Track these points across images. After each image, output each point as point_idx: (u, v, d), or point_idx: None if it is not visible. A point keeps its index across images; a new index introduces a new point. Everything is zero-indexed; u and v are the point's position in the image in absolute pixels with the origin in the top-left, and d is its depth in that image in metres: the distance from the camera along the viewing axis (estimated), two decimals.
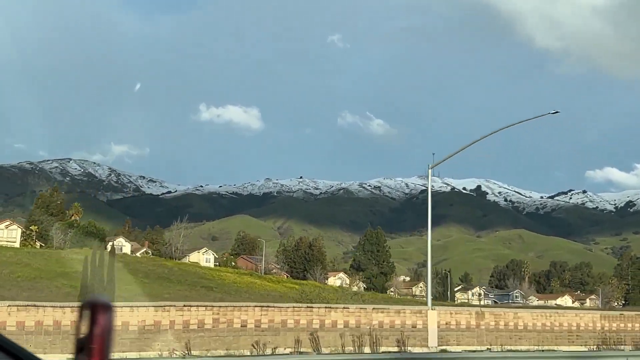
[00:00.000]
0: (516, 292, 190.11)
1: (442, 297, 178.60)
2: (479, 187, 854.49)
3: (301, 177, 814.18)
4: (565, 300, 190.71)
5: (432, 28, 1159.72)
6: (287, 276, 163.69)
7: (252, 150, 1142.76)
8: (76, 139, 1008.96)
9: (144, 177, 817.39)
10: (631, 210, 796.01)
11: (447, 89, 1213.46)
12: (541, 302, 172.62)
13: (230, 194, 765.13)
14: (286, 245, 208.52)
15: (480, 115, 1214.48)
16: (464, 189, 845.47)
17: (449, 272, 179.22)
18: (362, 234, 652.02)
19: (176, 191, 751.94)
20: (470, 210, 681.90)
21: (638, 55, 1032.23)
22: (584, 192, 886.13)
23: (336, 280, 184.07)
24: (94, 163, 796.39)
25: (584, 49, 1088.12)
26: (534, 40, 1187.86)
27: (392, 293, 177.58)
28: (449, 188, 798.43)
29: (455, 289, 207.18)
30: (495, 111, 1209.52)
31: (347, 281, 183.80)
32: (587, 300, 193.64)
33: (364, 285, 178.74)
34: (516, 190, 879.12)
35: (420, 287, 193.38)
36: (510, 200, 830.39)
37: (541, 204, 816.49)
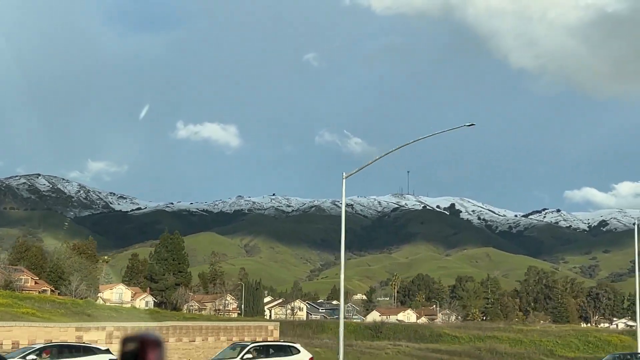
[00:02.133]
0: (348, 306, 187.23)
1: (252, 310, 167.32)
2: (452, 205, 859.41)
3: (273, 195, 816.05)
4: (408, 314, 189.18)
5: (410, 48, 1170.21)
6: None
7: (228, 167, 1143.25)
8: (51, 155, 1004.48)
9: (114, 194, 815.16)
10: (604, 229, 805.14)
11: (424, 108, 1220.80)
12: (382, 317, 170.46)
13: (201, 211, 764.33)
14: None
15: (457, 134, 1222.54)
16: (438, 207, 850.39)
17: (259, 283, 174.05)
18: (331, 252, 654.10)
19: (146, 208, 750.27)
20: (441, 228, 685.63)
21: (614, 75, 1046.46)
22: (558, 211, 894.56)
23: (112, 294, 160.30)
24: (63, 179, 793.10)
25: (560, 68, 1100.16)
26: (510, 60, 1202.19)
27: (192, 307, 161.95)
28: (421, 206, 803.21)
29: (274, 303, 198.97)
30: (472, 130, 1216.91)
31: (129, 294, 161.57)
32: (439, 314, 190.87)
33: (154, 300, 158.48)
34: (490, 209, 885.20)
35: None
36: (484, 219, 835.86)
37: (514, 223, 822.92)
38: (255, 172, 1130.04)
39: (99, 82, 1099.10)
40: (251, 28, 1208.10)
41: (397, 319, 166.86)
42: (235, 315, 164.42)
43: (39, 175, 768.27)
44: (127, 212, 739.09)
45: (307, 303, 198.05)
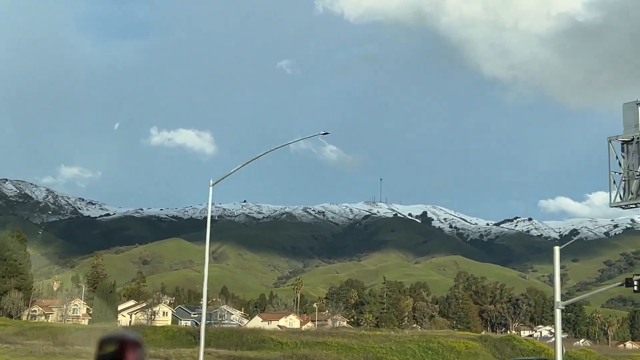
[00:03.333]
0: (222, 311, 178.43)
1: (105, 316, 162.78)
2: (424, 213, 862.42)
3: (245, 201, 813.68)
4: (290, 320, 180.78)
5: (384, 56, 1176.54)
6: None
7: (203, 174, 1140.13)
8: (21, 161, 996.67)
9: (82, 199, 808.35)
10: (574, 238, 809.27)
11: (399, 116, 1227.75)
12: (263, 322, 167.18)
13: (171, 217, 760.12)
14: None
15: (433, 142, 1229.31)
16: (410, 215, 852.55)
17: (113, 286, 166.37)
18: (300, 260, 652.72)
19: (115, 214, 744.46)
20: (411, 236, 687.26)
21: (585, 84, 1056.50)
22: (530, 219, 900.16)
23: None
24: (31, 184, 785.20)
25: (532, 78, 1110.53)
26: (483, 69, 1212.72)
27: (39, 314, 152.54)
28: (392, 214, 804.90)
29: (135, 308, 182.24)
30: (446, 139, 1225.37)
31: None
32: (329, 320, 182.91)
33: None
34: (462, 217, 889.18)
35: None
36: (455, 227, 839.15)
37: (485, 231, 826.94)
38: (229, 179, 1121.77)
39: (73, 88, 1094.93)
40: (225, 35, 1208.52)
41: (278, 325, 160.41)
42: (85, 321, 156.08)
43: (6, 180, 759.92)
44: (95, 218, 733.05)
45: (181, 307, 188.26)
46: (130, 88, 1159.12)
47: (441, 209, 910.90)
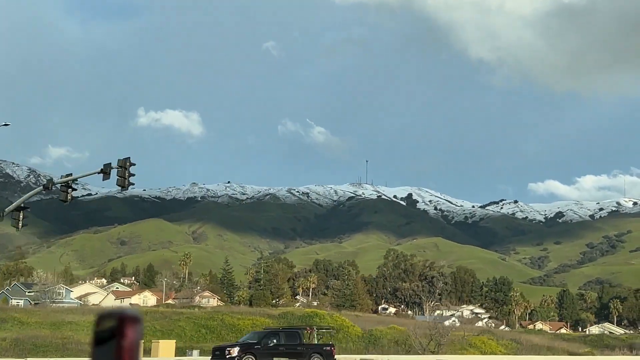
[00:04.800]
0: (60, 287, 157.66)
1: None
2: (410, 195, 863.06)
3: (228, 182, 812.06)
4: (145, 297, 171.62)
5: (370, 39, 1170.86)
6: None
7: (190, 155, 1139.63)
8: (11, 142, 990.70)
9: None
10: (560, 220, 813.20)
11: (386, 99, 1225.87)
12: (117, 300, 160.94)
13: (154, 197, 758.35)
14: None
15: (420, 124, 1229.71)
16: (395, 197, 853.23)
17: None
18: (281, 241, 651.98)
19: (97, 194, 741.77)
20: (394, 218, 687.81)
21: (572, 68, 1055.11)
22: (516, 202, 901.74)
23: None
24: (13, 163, 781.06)
25: (518, 61, 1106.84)
26: (469, 52, 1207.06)
27: None
28: (377, 196, 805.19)
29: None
30: (434, 121, 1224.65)
31: None
32: (196, 297, 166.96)
33: None
34: (448, 199, 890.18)
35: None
36: (440, 209, 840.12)
37: (470, 213, 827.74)
38: (215, 161, 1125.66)
39: (61, 69, 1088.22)
40: (212, 16, 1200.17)
41: (130, 303, 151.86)
42: None
43: None
44: (77, 197, 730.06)
45: (17, 284, 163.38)
46: (118, 69, 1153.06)
47: (427, 191, 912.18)
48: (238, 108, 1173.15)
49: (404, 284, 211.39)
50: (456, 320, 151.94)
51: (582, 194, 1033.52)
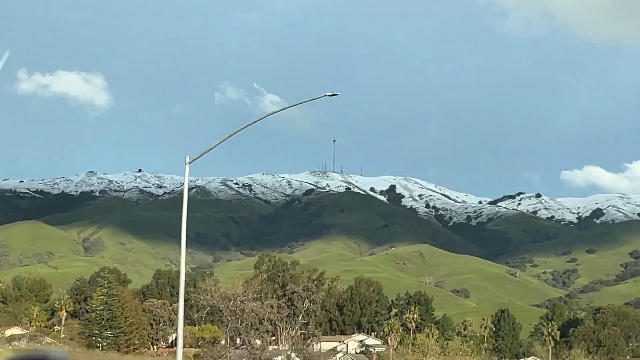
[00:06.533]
0: None
1: None
2: (392, 187, 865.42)
3: (140, 171, 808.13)
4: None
5: None
6: None
7: (87, 134, 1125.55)
8: None
9: None
10: (597, 221, 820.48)
11: (365, 53, 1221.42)
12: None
13: (33, 192, 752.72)
14: None
15: (409, 90, 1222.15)
16: (372, 189, 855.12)
17: None
18: (208, 251, 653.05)
19: None
20: (368, 218, 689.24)
21: (614, 11, 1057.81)
22: (538, 196, 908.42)
23: None
24: None
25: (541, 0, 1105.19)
26: None
27: None
28: (344, 188, 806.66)
29: None
30: (429, 85, 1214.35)
31: None
32: None
33: None
34: (445, 193, 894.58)
35: None
36: (434, 207, 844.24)
37: (475, 212, 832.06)
38: (124, 141, 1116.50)
39: None
40: None
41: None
42: None
43: None
44: None
45: None
46: None
47: (416, 182, 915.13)
48: (159, 68, 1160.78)
49: (253, 304, 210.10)
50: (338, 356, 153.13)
51: (634, 184, 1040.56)
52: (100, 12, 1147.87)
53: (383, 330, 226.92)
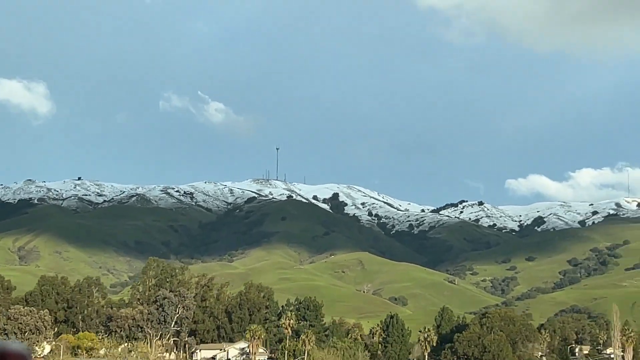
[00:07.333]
0: None
1: None
2: (335, 195, 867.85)
3: (79, 179, 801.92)
4: None
5: None
6: None
7: (26, 141, 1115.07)
8: None
9: None
10: (538, 229, 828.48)
11: (309, 64, 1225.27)
12: None
13: None
14: None
15: (353, 99, 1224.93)
16: (315, 197, 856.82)
17: None
18: (145, 260, 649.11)
19: None
20: (309, 226, 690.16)
21: (553, 20, 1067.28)
22: (480, 204, 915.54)
23: None
24: None
25: (482, 8, 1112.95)
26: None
27: None
28: (286, 196, 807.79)
29: None
30: (372, 94, 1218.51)
31: None
32: None
33: None
34: (387, 201, 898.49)
35: None
36: (376, 215, 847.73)
37: (417, 220, 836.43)
38: (63, 149, 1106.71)
39: None
40: None
41: None
42: None
43: None
44: None
45: None
46: None
47: (360, 191, 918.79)
48: (102, 76, 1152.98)
49: (124, 310, 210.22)
50: None
51: (578, 193, 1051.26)
52: (42, 21, 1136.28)
53: (272, 337, 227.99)
